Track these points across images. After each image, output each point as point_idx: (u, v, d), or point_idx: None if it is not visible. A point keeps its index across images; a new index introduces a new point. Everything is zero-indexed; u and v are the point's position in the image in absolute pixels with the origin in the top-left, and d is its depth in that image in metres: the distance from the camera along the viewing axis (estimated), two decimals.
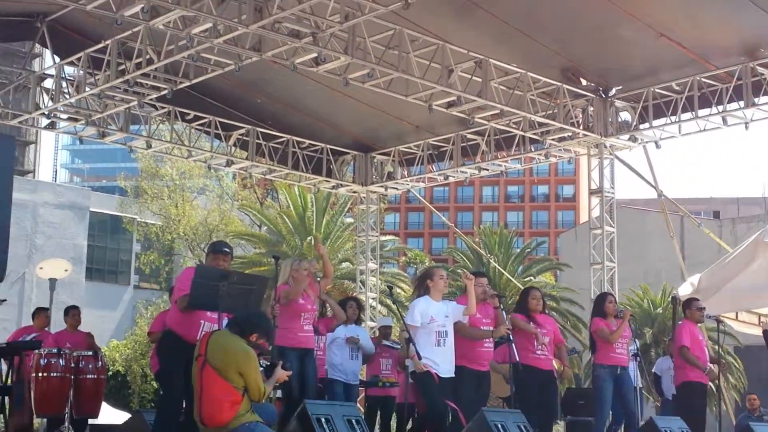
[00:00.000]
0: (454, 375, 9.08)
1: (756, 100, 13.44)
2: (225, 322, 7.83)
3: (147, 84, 13.77)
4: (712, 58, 13.52)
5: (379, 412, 12.27)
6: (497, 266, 30.74)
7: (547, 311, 10.79)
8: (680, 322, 12.32)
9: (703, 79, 13.81)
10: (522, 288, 14.98)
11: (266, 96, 15.98)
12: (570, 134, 15.06)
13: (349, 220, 32.90)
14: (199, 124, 16.25)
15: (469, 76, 13.41)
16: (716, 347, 11.82)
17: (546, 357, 10.31)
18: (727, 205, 61.52)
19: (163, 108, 15.61)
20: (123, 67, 13.27)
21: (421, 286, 9.46)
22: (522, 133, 15.10)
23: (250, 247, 35.78)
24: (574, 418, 11.88)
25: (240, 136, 16.58)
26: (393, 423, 12.39)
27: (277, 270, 9.36)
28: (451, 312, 9.19)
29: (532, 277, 39.20)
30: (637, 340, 11.65)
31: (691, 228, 39.07)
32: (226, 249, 8.43)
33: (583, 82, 14.76)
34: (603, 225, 15.21)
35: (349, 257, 31.52)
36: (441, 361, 8.97)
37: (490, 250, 37.48)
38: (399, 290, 31.90)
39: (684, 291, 13.80)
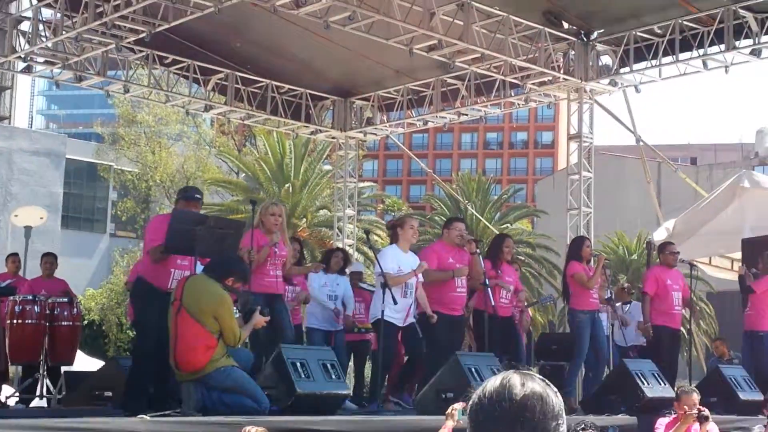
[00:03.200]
0: (414, 320, 9.19)
1: (737, 43, 13.45)
2: (200, 268, 7.85)
3: (125, 27, 13.57)
4: (694, 1, 13.48)
5: (353, 358, 12.29)
6: (475, 213, 30.84)
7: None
8: (650, 268, 12.46)
9: (685, 22, 13.79)
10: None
11: (246, 40, 15.81)
12: (550, 78, 15.03)
13: (327, 167, 32.84)
14: (177, 69, 16.06)
15: (451, 19, 13.31)
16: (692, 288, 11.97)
17: (508, 305, 10.48)
18: (705, 151, 61.87)
19: (141, 51, 15.41)
20: (101, 9, 13.07)
21: (392, 233, 9.52)
22: (502, 77, 15.05)
23: (227, 194, 35.71)
24: (547, 362, 12.02)
25: (219, 81, 16.42)
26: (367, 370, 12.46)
27: (254, 213, 9.36)
28: (416, 264, 9.26)
29: (509, 224, 39.38)
30: (610, 288, 11.76)
31: (668, 174, 39.25)
32: (198, 195, 8.43)
33: (565, 25, 14.69)
34: (581, 170, 15.24)
35: (327, 204, 31.53)
36: (401, 310, 9.07)
37: (468, 197, 37.55)
38: (376, 237, 31.97)
39: (659, 236, 13.93)
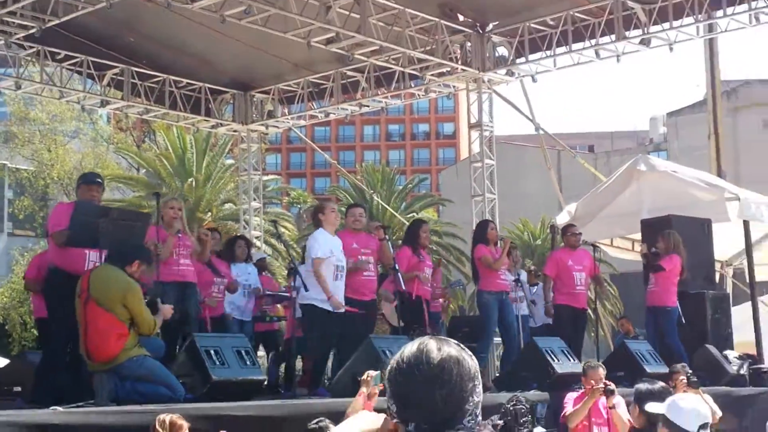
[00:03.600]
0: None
1: (627, 33, 13.79)
2: None
3: (14, 23, 13.21)
4: None
5: (263, 347, 12.29)
6: (381, 202, 30.97)
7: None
8: (552, 251, 12.76)
9: (577, 14, 14.08)
10: (407, 223, 15.19)
11: (140, 34, 15.54)
12: (449, 69, 15.19)
13: (230, 161, 32.57)
14: (70, 64, 15.70)
15: (348, 13, 13.33)
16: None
17: (430, 289, 10.62)
18: (602, 139, 63.28)
19: (31, 48, 15.02)
20: None
21: (315, 221, 9.57)
22: (401, 69, 15.13)
23: (128, 190, 35.13)
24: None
25: (114, 76, 16.11)
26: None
27: (158, 206, 9.27)
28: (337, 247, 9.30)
29: (415, 213, 39.63)
30: (521, 269, 11.98)
31: (567, 162, 40.00)
32: (98, 179, 8.30)
33: (461, 17, 14.85)
34: (483, 158, 15.46)
35: (232, 198, 31.27)
36: (337, 294, 9.08)
37: (373, 187, 37.68)
38: (283, 229, 31.86)
39: (561, 219, 14.22)
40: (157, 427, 5.71)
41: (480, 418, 2.22)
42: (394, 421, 2.19)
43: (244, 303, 11.08)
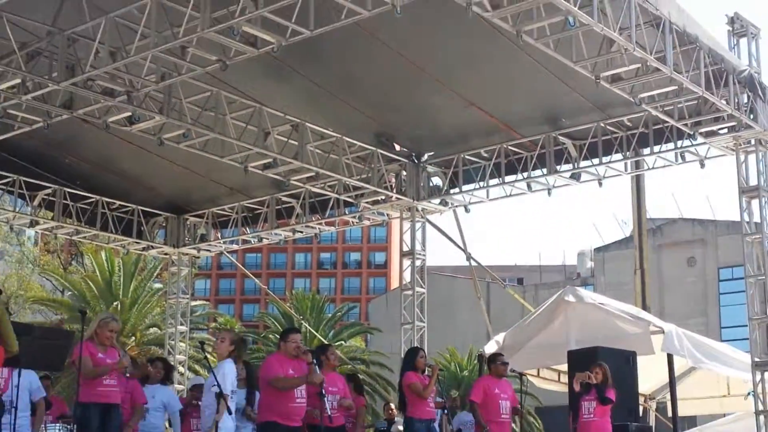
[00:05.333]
0: None
1: (558, 167, 14.19)
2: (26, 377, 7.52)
3: None
4: (517, 127, 14.19)
5: None
6: (310, 329, 30.76)
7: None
8: (479, 378, 12.74)
9: (510, 147, 14.48)
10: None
11: (76, 155, 15.51)
12: (383, 197, 15.39)
13: (158, 285, 32.21)
14: (2, 183, 15.56)
15: (286, 139, 13.53)
16: (520, 400, 12.29)
17: (337, 414, 10.49)
18: (531, 272, 64.02)
19: None
20: None
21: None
22: (337, 195, 15.30)
23: (51, 313, 34.43)
24: None
25: (46, 196, 15.98)
26: None
27: (84, 325, 9.07)
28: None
29: (343, 341, 39.43)
30: (444, 394, 11.93)
31: (497, 294, 40.40)
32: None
33: (397, 147, 15.15)
34: (414, 286, 15.52)
35: (158, 322, 30.78)
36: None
37: (302, 314, 37.44)
38: (210, 356, 31.30)
39: (489, 349, 14.23)
40: None
41: None
42: None
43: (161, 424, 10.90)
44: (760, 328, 12.24)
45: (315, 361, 9.91)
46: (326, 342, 29.70)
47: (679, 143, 13.33)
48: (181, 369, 18.91)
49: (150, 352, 30.06)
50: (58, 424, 9.97)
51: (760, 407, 11.94)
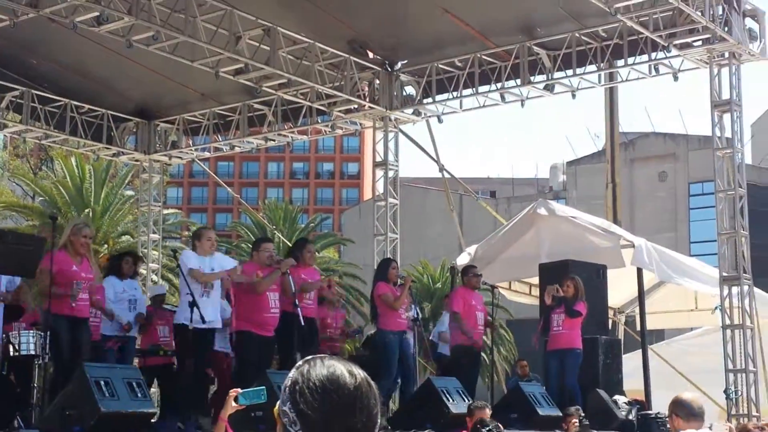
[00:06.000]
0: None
1: (531, 78, 14.08)
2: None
3: None
4: (492, 36, 14.03)
5: (157, 381, 12.03)
6: (283, 239, 30.77)
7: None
8: (455, 289, 12.88)
9: (484, 57, 14.33)
10: None
11: (44, 57, 15.18)
12: (356, 106, 15.25)
13: (130, 192, 32.01)
14: None
15: (257, 44, 13.29)
16: (491, 312, 12.45)
17: (311, 305, 10.60)
18: (503, 185, 64.20)
19: None
20: None
21: (192, 246, 9.77)
22: (309, 103, 15.13)
23: (22, 218, 34.20)
24: None
25: (13, 99, 15.67)
26: None
27: (54, 230, 9.00)
28: (217, 265, 9.37)
29: (316, 253, 39.52)
30: (416, 307, 12.01)
31: (469, 207, 40.56)
32: None
33: (370, 55, 14.95)
34: (387, 197, 15.51)
35: (130, 230, 30.68)
36: (208, 309, 9.10)
37: (275, 224, 37.46)
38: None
39: (462, 261, 14.34)
40: None
41: None
42: None
43: (130, 317, 11.11)
44: (728, 243, 12.36)
45: (287, 272, 9.91)
46: None
47: (653, 55, 13.24)
48: (154, 278, 18.88)
49: None
50: (31, 331, 10.00)
51: (727, 321, 12.12)
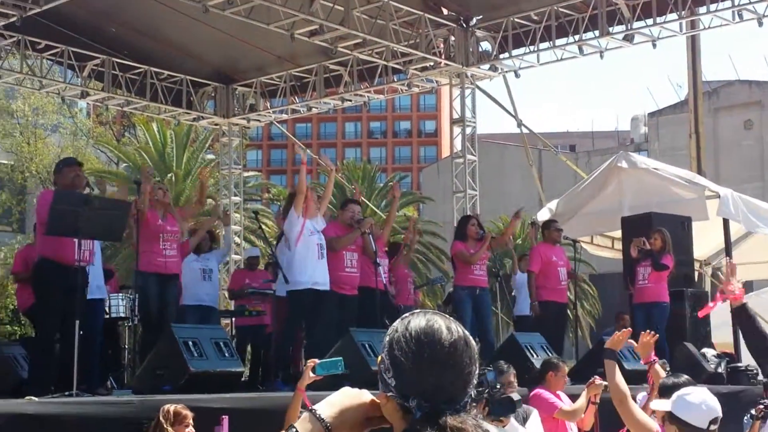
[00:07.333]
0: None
1: (610, 29, 13.80)
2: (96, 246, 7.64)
3: None
4: None
5: (250, 343, 12.25)
6: (363, 199, 30.89)
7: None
8: (534, 247, 12.76)
9: (561, 9, 14.08)
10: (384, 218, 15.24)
11: (121, 24, 15.41)
12: (432, 64, 15.15)
13: (211, 156, 32.40)
14: (50, 55, 15.56)
15: (332, 5, 13.26)
16: (573, 267, 12.36)
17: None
18: (583, 138, 63.37)
19: (11, 37, 14.87)
20: None
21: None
22: (384, 62, 15.08)
23: (108, 185, 34.87)
24: None
25: (95, 67, 15.97)
26: None
27: (138, 195, 9.26)
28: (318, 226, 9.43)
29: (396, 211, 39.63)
30: (498, 261, 11.96)
31: (549, 162, 40.13)
32: (79, 161, 8.31)
33: (445, 11, 14.82)
34: (465, 154, 15.43)
35: (212, 194, 31.07)
36: (319, 273, 9.13)
37: (354, 184, 37.56)
38: (264, 226, 31.72)
39: (542, 216, 14.22)
40: (160, 417, 5.61)
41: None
42: (389, 394, 2.12)
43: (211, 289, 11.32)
44: None
45: (368, 231, 9.97)
46: (380, 212, 30.03)
47: (736, 0, 12.85)
48: (237, 240, 19.13)
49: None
50: (120, 294, 10.26)
51: None
